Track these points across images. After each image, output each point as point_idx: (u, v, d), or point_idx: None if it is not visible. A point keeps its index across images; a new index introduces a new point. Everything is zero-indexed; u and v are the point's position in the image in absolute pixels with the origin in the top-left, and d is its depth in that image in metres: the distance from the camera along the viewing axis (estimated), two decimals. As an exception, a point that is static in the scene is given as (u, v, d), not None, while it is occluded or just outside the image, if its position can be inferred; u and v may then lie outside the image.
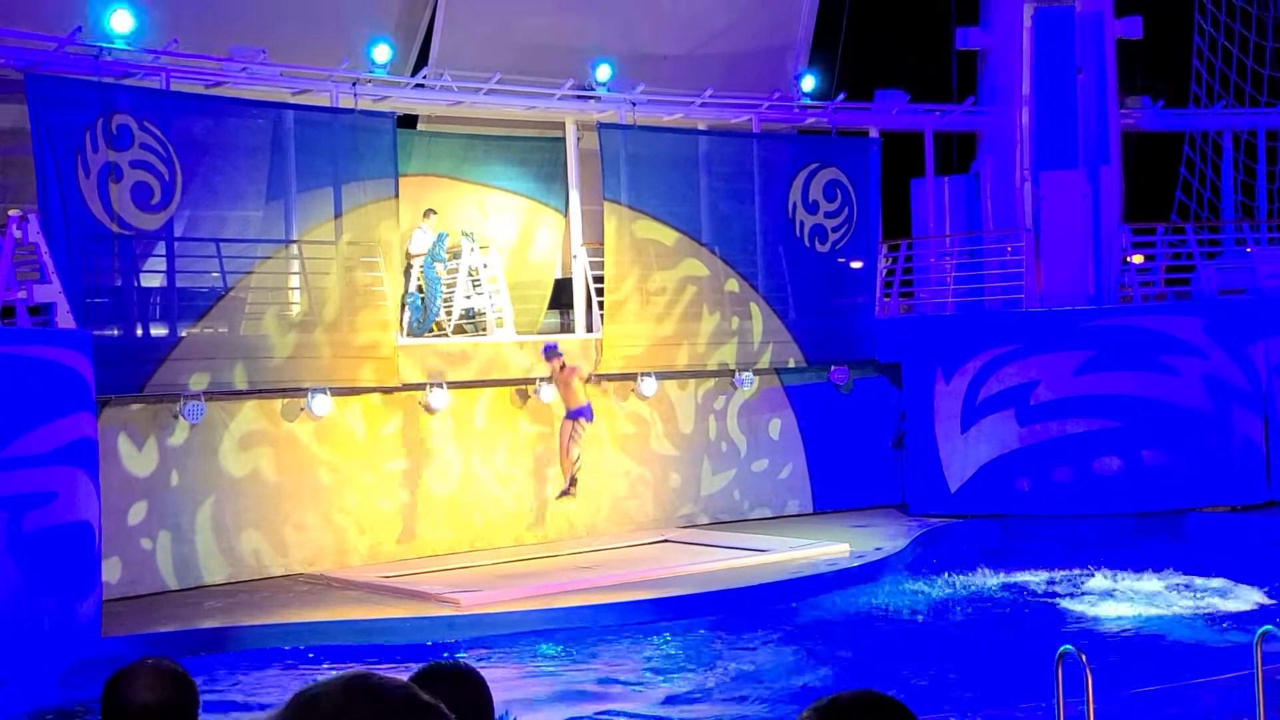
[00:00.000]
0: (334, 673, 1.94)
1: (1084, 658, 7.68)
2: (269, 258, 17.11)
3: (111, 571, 15.35)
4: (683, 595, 15.53)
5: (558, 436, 18.41)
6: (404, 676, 3.00)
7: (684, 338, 20.02)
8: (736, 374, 20.59)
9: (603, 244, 19.52)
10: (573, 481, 18.18)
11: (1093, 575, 17.13)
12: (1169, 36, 23.94)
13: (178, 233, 16.30)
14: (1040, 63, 21.59)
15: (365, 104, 18.01)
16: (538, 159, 21.40)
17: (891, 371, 21.59)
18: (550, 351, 18.20)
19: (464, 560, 17.89)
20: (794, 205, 21.10)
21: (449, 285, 19.23)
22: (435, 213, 19.65)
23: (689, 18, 21.58)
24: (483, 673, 2.87)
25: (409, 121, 20.34)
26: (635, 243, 19.66)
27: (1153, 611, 15.41)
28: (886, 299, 21.65)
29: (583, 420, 18.04)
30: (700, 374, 20.54)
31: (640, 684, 13.07)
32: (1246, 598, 15.81)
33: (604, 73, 19.90)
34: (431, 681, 2.95)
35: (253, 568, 17.00)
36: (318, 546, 17.51)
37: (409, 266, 19.30)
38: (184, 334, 16.27)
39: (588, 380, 18.32)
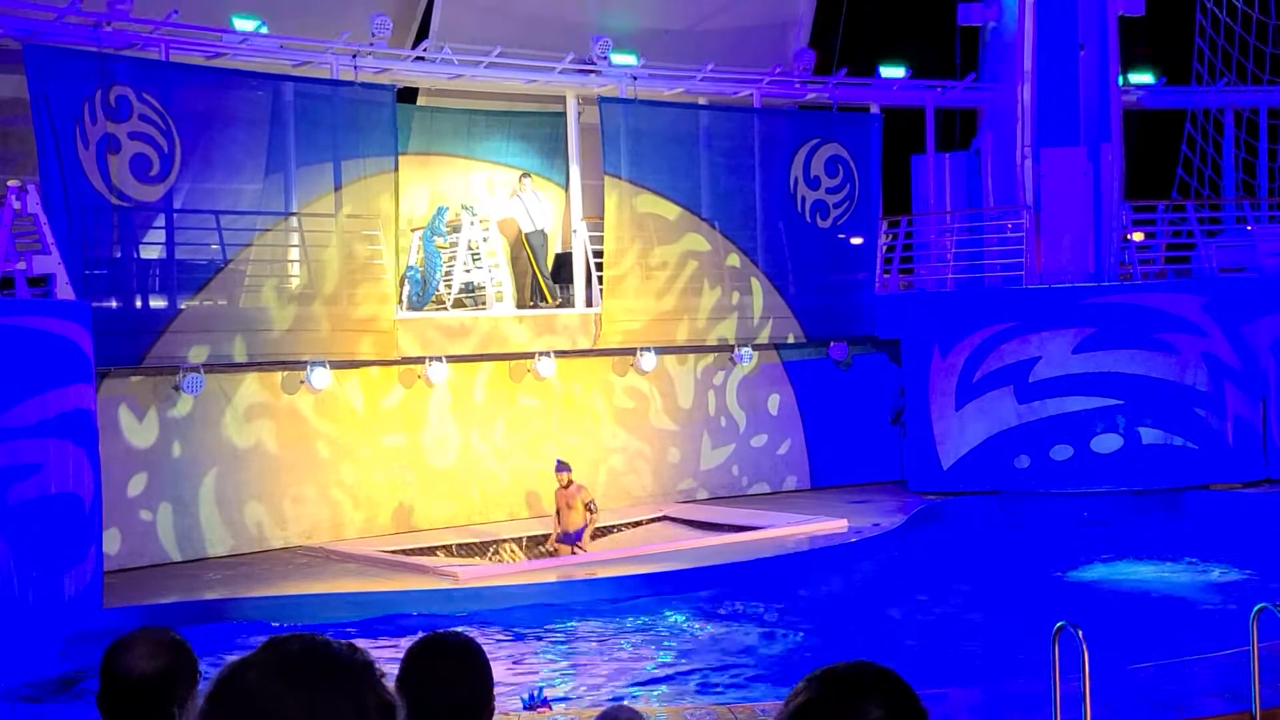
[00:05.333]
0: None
1: (1080, 633, 7.69)
2: (268, 230, 17.08)
3: (111, 543, 15.38)
4: (680, 570, 15.56)
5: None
6: (403, 647, 3.01)
7: (684, 313, 20.00)
8: (736, 349, 20.58)
9: (603, 218, 19.48)
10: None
11: (1089, 551, 17.16)
12: (1171, 13, 23.85)
13: (177, 205, 16.27)
14: (1042, 39, 21.50)
15: (365, 76, 17.96)
16: (538, 134, 21.33)
17: (891, 348, 21.57)
18: (560, 467, 17.28)
19: (462, 535, 17.93)
20: (795, 180, 21.05)
21: (449, 259, 19.20)
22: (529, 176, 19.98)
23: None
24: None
25: (409, 96, 20.27)
26: (636, 217, 19.62)
27: (1149, 587, 15.45)
28: (886, 275, 21.62)
29: (571, 547, 17.06)
30: (700, 349, 20.53)
31: (636, 658, 13.12)
32: (1243, 574, 15.84)
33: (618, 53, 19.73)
34: (431, 652, 2.97)
35: (254, 540, 17.03)
36: (316, 519, 17.54)
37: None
38: (183, 306, 16.26)
39: (589, 506, 17.16)
